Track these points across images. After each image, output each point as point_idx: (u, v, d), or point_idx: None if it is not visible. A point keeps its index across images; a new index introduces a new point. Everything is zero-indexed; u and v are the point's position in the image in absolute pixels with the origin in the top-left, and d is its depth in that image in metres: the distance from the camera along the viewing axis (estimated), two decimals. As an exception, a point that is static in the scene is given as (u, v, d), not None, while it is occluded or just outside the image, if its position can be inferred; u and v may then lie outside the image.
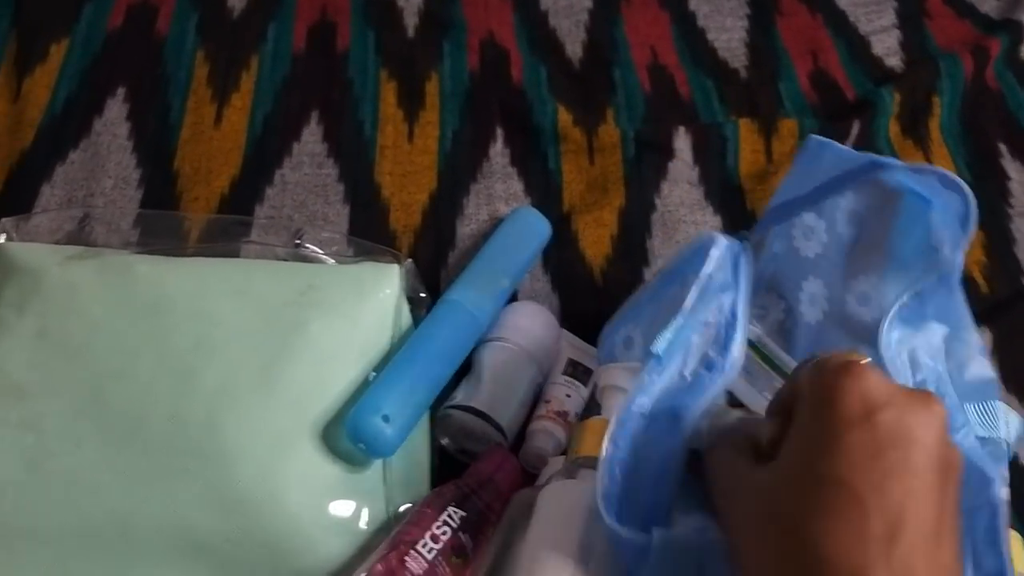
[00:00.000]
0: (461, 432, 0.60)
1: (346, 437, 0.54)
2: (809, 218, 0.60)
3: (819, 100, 0.87)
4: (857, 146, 0.80)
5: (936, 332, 0.52)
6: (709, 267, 0.50)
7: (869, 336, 0.58)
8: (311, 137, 0.78)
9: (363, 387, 0.57)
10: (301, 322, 0.57)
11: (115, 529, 0.50)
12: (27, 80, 0.79)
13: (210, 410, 0.53)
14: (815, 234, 0.60)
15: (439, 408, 0.60)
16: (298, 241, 0.65)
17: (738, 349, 0.50)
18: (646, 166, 0.79)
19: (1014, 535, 0.56)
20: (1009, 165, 0.85)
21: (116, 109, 0.78)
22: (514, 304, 0.66)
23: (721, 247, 0.51)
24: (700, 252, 0.51)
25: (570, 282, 0.71)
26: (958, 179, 0.48)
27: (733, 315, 0.51)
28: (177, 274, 0.59)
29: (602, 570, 0.46)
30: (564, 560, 0.45)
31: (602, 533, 0.47)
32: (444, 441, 0.61)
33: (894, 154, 0.83)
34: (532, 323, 0.64)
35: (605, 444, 0.44)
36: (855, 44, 0.93)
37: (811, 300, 0.61)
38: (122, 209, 0.70)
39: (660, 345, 0.47)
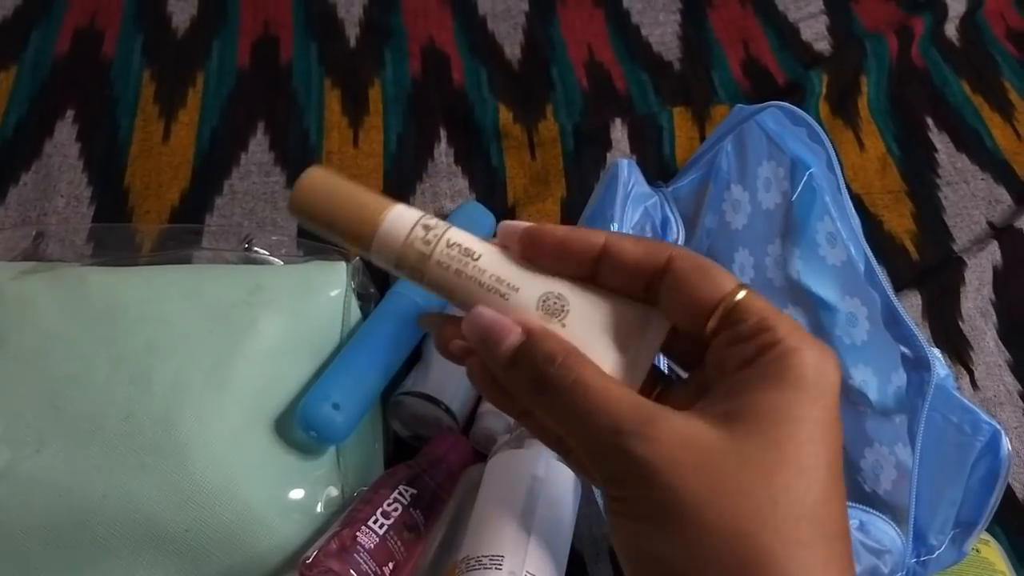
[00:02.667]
0: (413, 417, 0.62)
1: (298, 426, 0.56)
2: (736, 190, 0.63)
3: (751, 86, 0.90)
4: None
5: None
6: (623, 174, 0.53)
7: (785, 298, 0.61)
8: (258, 147, 0.80)
9: (314, 380, 0.59)
10: (250, 321, 0.59)
11: (77, 527, 0.52)
12: (-23, 108, 0.81)
13: (164, 408, 0.54)
14: (741, 206, 0.63)
15: (391, 395, 0.62)
16: (247, 245, 0.67)
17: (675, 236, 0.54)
18: (585, 158, 0.82)
19: (994, 544, 0.59)
20: (936, 138, 0.88)
21: (66, 131, 0.80)
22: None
23: (624, 164, 0.54)
24: (612, 182, 0.54)
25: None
26: (819, 130, 0.52)
27: (664, 218, 0.54)
28: (129, 282, 0.61)
29: (543, 531, 0.48)
30: (508, 521, 0.48)
31: (544, 496, 0.50)
32: (397, 427, 0.63)
33: (825, 132, 0.86)
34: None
35: None
36: (784, 31, 0.96)
37: (740, 270, 0.64)
38: (75, 225, 0.72)
39: None
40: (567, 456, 0.33)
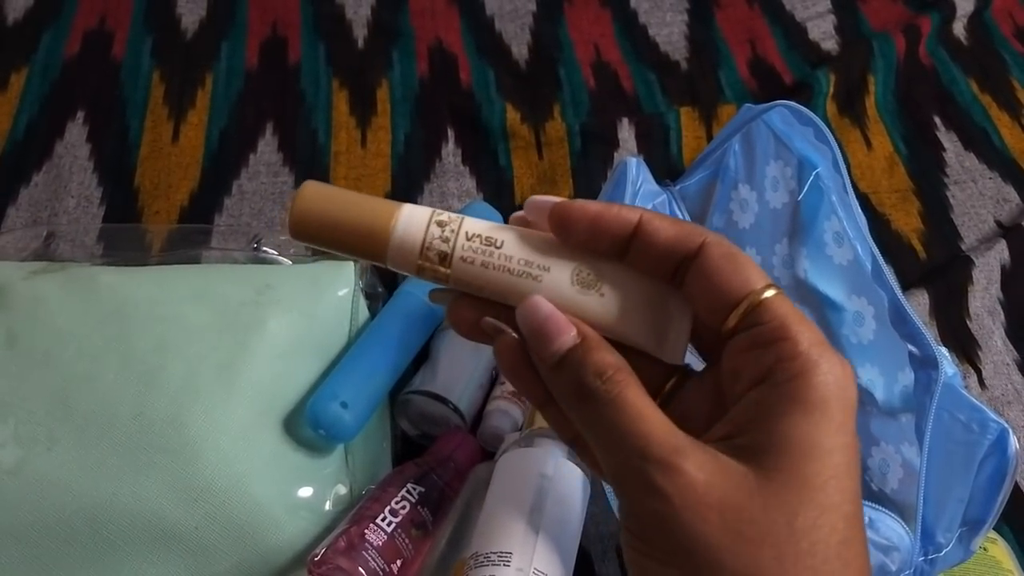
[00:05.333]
0: (421, 416, 0.62)
1: (307, 424, 0.57)
2: (744, 190, 0.64)
3: (758, 86, 0.91)
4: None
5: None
6: (631, 172, 0.53)
7: (792, 297, 0.61)
8: (266, 148, 0.80)
9: (323, 378, 0.59)
10: (259, 320, 0.59)
11: (88, 524, 0.52)
12: (-12, 109, 0.82)
13: (174, 407, 0.55)
14: (749, 206, 0.63)
15: (399, 394, 0.62)
16: (256, 245, 0.68)
17: None
18: (592, 157, 0.82)
19: (1001, 543, 0.59)
20: (944, 137, 0.88)
21: (76, 132, 0.80)
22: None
23: (632, 163, 0.54)
24: (620, 180, 0.54)
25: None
26: (825, 130, 0.52)
27: (672, 216, 0.54)
28: (139, 282, 0.61)
29: (552, 529, 0.48)
30: (517, 518, 0.48)
31: (553, 495, 0.50)
32: (404, 425, 0.63)
33: (832, 132, 0.86)
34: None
35: None
36: (792, 31, 0.96)
37: (747, 269, 0.64)
38: (85, 225, 0.72)
39: None
40: (582, 454, 0.32)
